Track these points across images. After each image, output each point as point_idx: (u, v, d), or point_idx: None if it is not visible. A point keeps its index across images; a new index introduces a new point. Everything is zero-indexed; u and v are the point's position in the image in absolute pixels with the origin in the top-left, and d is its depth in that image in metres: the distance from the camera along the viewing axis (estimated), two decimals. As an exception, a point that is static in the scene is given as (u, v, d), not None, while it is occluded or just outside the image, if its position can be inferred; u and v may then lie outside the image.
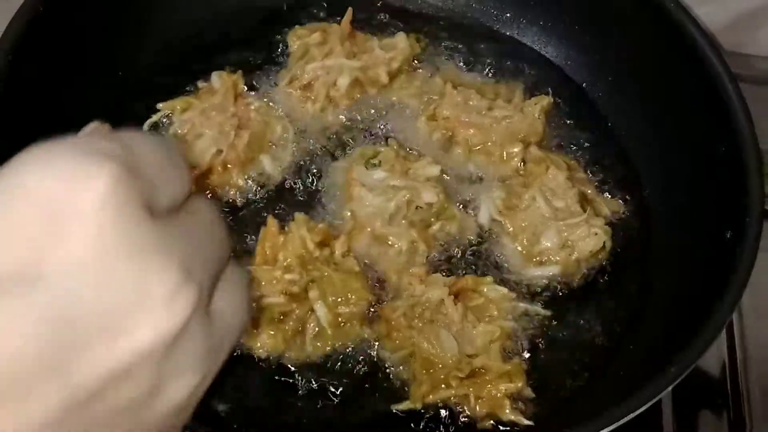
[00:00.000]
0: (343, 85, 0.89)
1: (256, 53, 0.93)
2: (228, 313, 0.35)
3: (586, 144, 0.92)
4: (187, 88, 0.88)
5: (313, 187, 0.85)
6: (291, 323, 0.73)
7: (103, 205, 0.29)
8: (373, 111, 0.90)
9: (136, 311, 0.30)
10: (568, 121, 0.93)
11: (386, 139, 0.88)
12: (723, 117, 0.79)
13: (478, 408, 0.72)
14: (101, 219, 0.29)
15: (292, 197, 0.84)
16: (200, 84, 0.88)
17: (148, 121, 0.85)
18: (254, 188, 0.83)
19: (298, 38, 0.92)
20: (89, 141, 0.31)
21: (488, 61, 0.96)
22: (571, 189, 0.83)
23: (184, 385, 0.32)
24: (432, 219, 0.82)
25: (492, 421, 0.72)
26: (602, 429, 0.61)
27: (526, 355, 0.76)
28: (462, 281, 0.77)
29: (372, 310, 0.76)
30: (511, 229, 0.83)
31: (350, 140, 0.88)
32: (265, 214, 0.80)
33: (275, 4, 0.98)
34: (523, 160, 0.87)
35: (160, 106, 0.86)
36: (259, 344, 0.73)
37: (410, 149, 0.87)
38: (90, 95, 0.82)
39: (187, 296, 0.31)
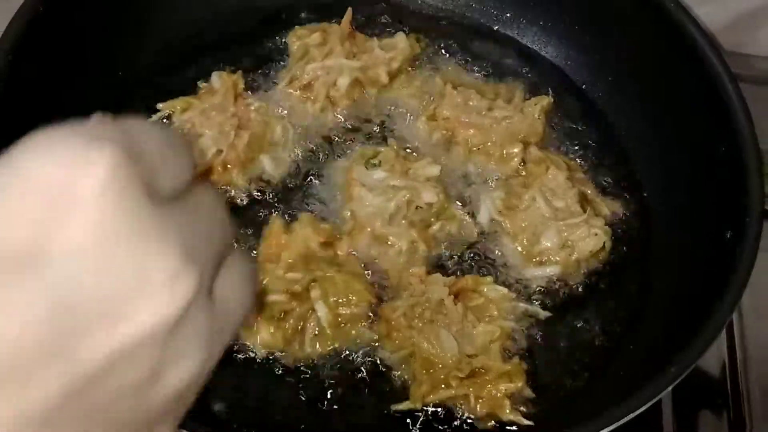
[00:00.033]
0: (343, 85, 0.89)
1: (256, 53, 0.93)
2: (230, 299, 0.35)
3: (586, 144, 0.92)
4: (187, 88, 0.88)
5: (313, 187, 0.85)
6: (291, 322, 0.73)
7: (103, 190, 0.29)
8: (373, 111, 0.90)
9: (136, 296, 0.30)
10: (568, 122, 0.93)
11: (386, 139, 0.88)
12: (723, 117, 0.79)
13: (478, 408, 0.72)
14: (102, 204, 0.29)
15: (292, 197, 0.84)
16: (200, 84, 0.88)
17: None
18: (254, 188, 0.83)
19: (298, 38, 0.92)
20: (90, 127, 0.31)
21: (488, 61, 0.96)
22: (571, 189, 0.83)
23: (185, 370, 0.32)
24: (432, 219, 0.82)
25: (492, 421, 0.72)
26: (602, 429, 0.61)
27: (526, 355, 0.76)
28: (462, 281, 0.77)
29: (372, 313, 0.76)
30: (511, 229, 0.83)
31: (350, 140, 0.88)
32: (265, 214, 0.80)
33: (275, 4, 0.98)
34: (523, 160, 0.87)
35: (160, 106, 0.86)
36: (258, 341, 0.73)
37: (410, 149, 0.87)
38: (90, 95, 0.82)
39: (187, 281, 0.31)
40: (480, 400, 0.71)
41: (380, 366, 0.74)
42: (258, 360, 0.73)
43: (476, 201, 0.85)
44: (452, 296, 0.75)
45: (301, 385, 0.73)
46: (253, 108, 0.85)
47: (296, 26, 0.94)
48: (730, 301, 0.68)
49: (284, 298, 0.73)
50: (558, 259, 0.81)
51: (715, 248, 0.74)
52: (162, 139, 0.33)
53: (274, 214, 0.80)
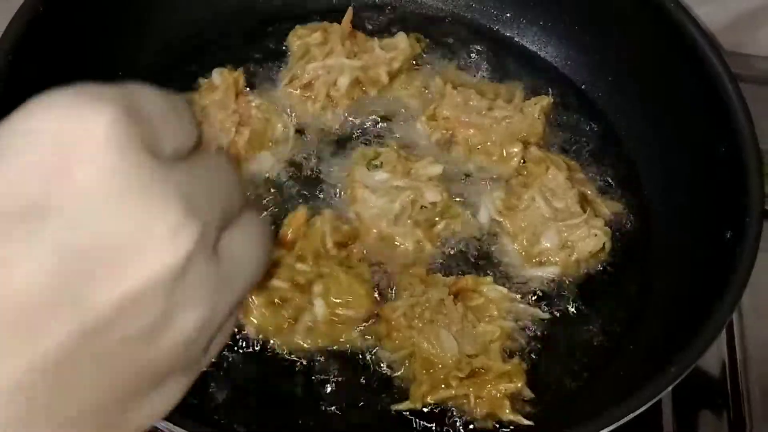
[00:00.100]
0: (343, 85, 0.89)
1: (257, 53, 0.93)
2: (238, 256, 0.36)
3: (586, 144, 0.92)
4: (188, 88, 0.88)
5: (314, 185, 0.85)
6: (288, 311, 0.73)
7: (104, 145, 0.30)
8: (373, 111, 0.90)
9: (140, 245, 0.31)
10: (568, 122, 0.93)
11: (385, 139, 0.88)
12: (723, 117, 0.79)
13: (478, 408, 0.72)
14: (103, 157, 0.30)
15: (292, 195, 0.84)
16: (201, 81, 0.88)
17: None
18: (254, 185, 0.83)
19: (298, 38, 0.92)
20: (92, 87, 0.32)
21: (488, 61, 0.96)
22: (571, 189, 0.83)
23: (191, 318, 0.33)
24: (436, 218, 0.82)
25: (492, 421, 0.72)
26: (602, 429, 0.61)
27: (526, 355, 0.76)
28: (462, 281, 0.77)
29: (367, 321, 0.75)
30: (510, 229, 0.83)
31: (350, 140, 0.88)
32: (264, 211, 0.80)
33: (275, 4, 0.98)
34: (523, 160, 0.87)
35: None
36: (252, 319, 0.73)
37: (410, 149, 0.87)
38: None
39: (189, 233, 0.32)
40: (480, 400, 0.72)
41: (380, 366, 0.74)
42: (257, 357, 0.73)
43: (476, 201, 0.85)
44: (452, 296, 0.75)
45: (300, 385, 0.73)
46: (254, 105, 0.86)
47: (297, 25, 0.94)
48: (730, 301, 0.68)
49: (287, 286, 0.73)
50: (558, 259, 0.81)
51: (715, 248, 0.74)
52: (163, 103, 0.34)
53: (302, 205, 0.80)
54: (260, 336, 0.74)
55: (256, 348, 0.74)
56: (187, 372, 0.36)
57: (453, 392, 0.71)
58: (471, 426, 0.72)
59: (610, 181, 0.89)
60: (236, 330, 0.73)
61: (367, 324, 0.75)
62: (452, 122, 0.88)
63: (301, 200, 0.83)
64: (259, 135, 0.84)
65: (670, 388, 0.64)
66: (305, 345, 0.74)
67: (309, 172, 0.85)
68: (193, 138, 0.36)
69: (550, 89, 0.94)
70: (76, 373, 0.31)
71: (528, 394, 0.73)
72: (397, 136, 0.89)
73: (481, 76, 0.95)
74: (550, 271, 0.81)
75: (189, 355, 0.35)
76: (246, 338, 0.74)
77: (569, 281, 0.81)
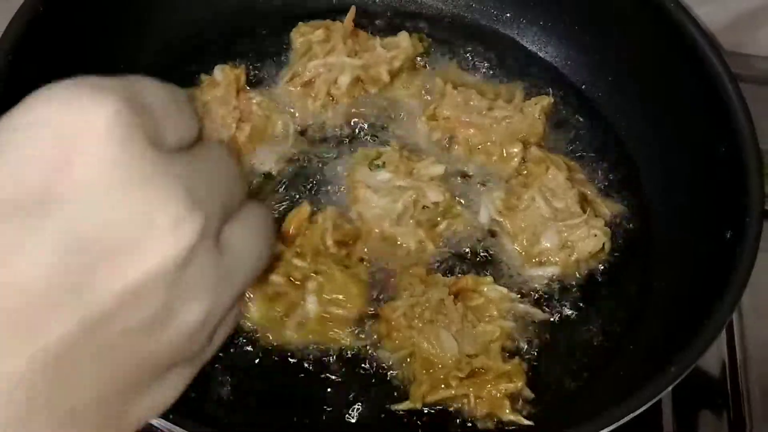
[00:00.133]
0: (343, 83, 0.89)
1: (257, 52, 0.93)
2: (239, 248, 0.36)
3: (586, 144, 0.92)
4: (188, 86, 0.88)
5: (313, 184, 0.85)
6: (280, 305, 0.74)
7: (106, 135, 0.30)
8: (373, 110, 0.91)
9: (142, 237, 0.31)
10: (568, 122, 0.93)
11: (386, 138, 0.88)
12: (723, 117, 0.79)
13: (478, 408, 0.72)
14: (105, 148, 0.30)
15: (291, 193, 0.84)
16: (203, 77, 0.88)
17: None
18: (253, 182, 0.83)
19: (301, 35, 0.92)
20: (92, 79, 0.32)
21: (488, 61, 0.96)
22: (571, 189, 0.83)
23: (193, 310, 0.33)
24: (438, 218, 0.82)
25: (492, 421, 0.72)
26: (602, 429, 0.61)
27: (526, 355, 0.76)
28: (462, 281, 0.77)
29: (359, 321, 0.75)
30: (510, 229, 0.83)
31: (350, 138, 0.88)
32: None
33: (275, 3, 0.98)
34: (523, 160, 0.87)
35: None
36: (249, 309, 0.74)
37: (410, 149, 0.87)
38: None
39: (191, 225, 0.32)
40: (480, 400, 0.72)
41: (380, 366, 0.74)
42: (256, 354, 0.74)
43: (476, 201, 0.85)
44: (452, 296, 0.75)
45: (299, 385, 0.73)
46: (255, 102, 0.86)
47: (300, 22, 0.94)
48: (730, 301, 0.68)
49: (282, 281, 0.74)
50: (557, 259, 0.81)
51: (715, 248, 0.74)
52: (165, 95, 0.34)
53: (305, 202, 0.80)
54: (255, 328, 0.74)
55: (257, 346, 0.74)
56: (190, 364, 0.36)
57: (453, 392, 0.71)
58: (471, 426, 0.72)
59: (610, 181, 0.89)
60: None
61: (358, 324, 0.75)
62: (452, 122, 0.88)
63: (298, 196, 0.83)
64: (259, 132, 0.85)
65: (670, 388, 0.64)
66: (296, 341, 0.74)
67: (309, 171, 0.85)
68: (195, 130, 0.36)
69: (550, 89, 0.94)
70: (78, 366, 0.31)
71: (528, 394, 0.73)
72: (397, 135, 0.89)
73: (482, 76, 0.95)
74: (550, 271, 0.81)
75: (191, 348, 0.35)
76: (244, 333, 0.74)
77: (569, 281, 0.81)
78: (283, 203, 0.82)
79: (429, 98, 0.91)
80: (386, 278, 0.78)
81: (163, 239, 0.31)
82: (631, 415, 0.62)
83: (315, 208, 0.80)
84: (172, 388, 0.36)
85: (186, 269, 0.32)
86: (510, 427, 0.71)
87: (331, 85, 0.89)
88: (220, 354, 0.72)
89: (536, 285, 0.80)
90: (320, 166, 0.86)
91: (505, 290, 0.78)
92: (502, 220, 0.83)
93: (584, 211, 0.81)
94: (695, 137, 0.84)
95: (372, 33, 0.94)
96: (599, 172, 0.89)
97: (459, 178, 0.86)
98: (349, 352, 0.74)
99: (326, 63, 0.89)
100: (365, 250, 0.79)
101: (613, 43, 0.94)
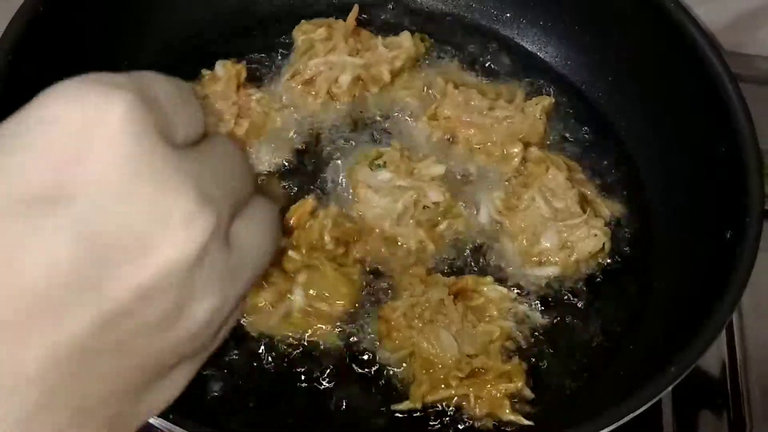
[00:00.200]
0: (344, 82, 0.89)
1: (257, 51, 0.93)
2: (247, 243, 0.36)
3: (587, 144, 0.92)
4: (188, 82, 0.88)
5: (313, 182, 0.85)
6: (268, 294, 0.74)
7: (119, 132, 0.30)
8: (374, 109, 0.91)
9: (156, 233, 0.31)
10: (569, 122, 0.93)
11: (385, 137, 0.88)
12: (723, 117, 0.79)
13: (478, 408, 0.72)
14: (118, 144, 0.30)
15: (289, 190, 0.84)
16: (204, 72, 0.88)
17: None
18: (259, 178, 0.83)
19: (303, 33, 0.92)
20: (104, 75, 0.32)
21: (489, 61, 0.97)
22: (571, 189, 0.83)
23: (204, 307, 0.33)
24: (439, 218, 0.82)
25: (492, 421, 0.72)
26: (602, 429, 0.61)
27: (526, 355, 0.76)
28: (462, 281, 0.77)
29: (342, 320, 0.75)
30: (510, 229, 0.83)
31: (351, 138, 0.88)
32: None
33: (275, 3, 0.98)
34: (524, 160, 0.87)
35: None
36: None
37: (411, 149, 0.87)
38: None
39: (204, 220, 0.32)
40: (480, 400, 0.72)
41: (380, 366, 0.74)
42: (255, 351, 0.74)
43: (476, 201, 0.85)
44: (452, 296, 0.75)
45: (298, 384, 0.73)
46: (254, 98, 0.86)
47: (302, 20, 0.94)
48: (730, 301, 0.68)
49: (274, 271, 0.74)
50: (557, 259, 0.81)
51: (715, 248, 0.74)
52: (174, 90, 0.34)
53: (310, 197, 0.81)
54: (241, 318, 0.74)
55: (237, 334, 0.74)
56: (193, 361, 0.36)
57: (453, 392, 0.71)
58: (471, 426, 0.72)
59: (610, 181, 0.89)
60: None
61: (346, 323, 0.75)
62: (453, 122, 0.88)
63: (295, 193, 0.83)
64: (257, 128, 0.85)
65: (670, 388, 0.64)
66: (278, 332, 0.74)
67: (309, 170, 0.85)
68: (202, 125, 0.36)
69: (550, 89, 0.94)
70: (90, 363, 0.31)
71: (528, 394, 0.73)
72: (398, 135, 0.89)
73: (482, 76, 0.95)
74: (549, 271, 0.81)
75: (197, 345, 0.35)
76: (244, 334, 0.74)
77: (569, 281, 0.81)
78: (282, 200, 0.82)
79: (430, 98, 0.91)
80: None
81: (176, 237, 0.31)
82: (631, 415, 0.62)
83: (316, 204, 0.80)
84: (176, 384, 0.36)
85: (197, 267, 0.32)
86: (510, 427, 0.71)
87: (332, 84, 0.89)
88: (222, 356, 0.73)
89: (536, 285, 0.80)
90: (319, 165, 0.86)
91: (505, 290, 0.78)
92: (502, 220, 0.83)
93: (584, 211, 0.81)
94: (695, 137, 0.84)
95: (374, 32, 0.94)
96: (599, 172, 0.89)
97: (459, 178, 0.86)
98: (349, 352, 0.74)
99: (327, 61, 0.89)
100: (367, 248, 0.79)
101: (613, 43, 0.94)
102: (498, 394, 0.71)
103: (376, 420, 0.72)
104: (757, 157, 0.76)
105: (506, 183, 0.86)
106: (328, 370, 0.73)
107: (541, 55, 0.99)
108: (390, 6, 1.00)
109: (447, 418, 0.72)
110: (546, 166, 0.85)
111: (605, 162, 0.90)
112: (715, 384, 0.87)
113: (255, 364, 0.73)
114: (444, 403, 0.72)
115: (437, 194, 0.81)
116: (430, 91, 0.92)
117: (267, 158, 0.84)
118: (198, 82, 0.87)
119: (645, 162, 0.90)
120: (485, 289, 0.77)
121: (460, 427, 0.72)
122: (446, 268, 0.81)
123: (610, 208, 0.85)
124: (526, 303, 0.79)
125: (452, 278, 0.78)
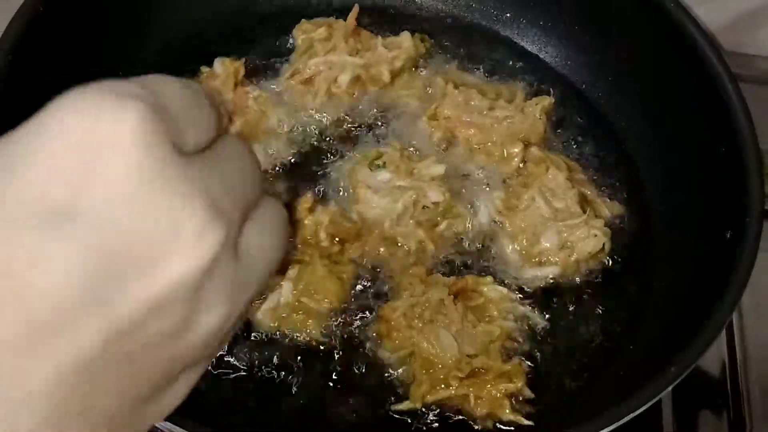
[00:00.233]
0: (344, 82, 0.89)
1: (257, 51, 0.93)
2: (256, 252, 0.36)
3: (586, 144, 0.92)
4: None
5: (312, 181, 0.85)
6: None
7: (131, 144, 0.30)
8: (373, 109, 0.90)
9: (167, 246, 0.31)
10: (568, 122, 0.93)
11: (385, 137, 0.88)
12: (723, 117, 0.79)
13: (478, 408, 0.72)
14: (130, 156, 0.30)
15: (288, 190, 0.84)
16: (203, 69, 0.88)
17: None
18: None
19: (303, 32, 0.92)
20: (116, 84, 0.32)
21: (489, 61, 0.97)
22: (571, 189, 0.83)
23: (211, 320, 0.33)
24: (438, 218, 0.82)
25: (492, 421, 0.72)
26: (602, 429, 0.61)
27: (526, 355, 0.76)
28: (462, 281, 0.77)
29: (328, 318, 0.76)
30: (510, 229, 0.83)
31: (350, 137, 0.88)
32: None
33: (275, 3, 0.98)
34: (524, 160, 0.87)
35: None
36: None
37: (411, 149, 0.87)
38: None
39: (215, 232, 0.32)
40: (480, 400, 0.71)
41: (380, 366, 0.74)
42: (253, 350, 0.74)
43: (476, 201, 0.85)
44: (452, 296, 0.75)
45: (297, 384, 0.73)
46: (252, 96, 0.86)
47: (303, 19, 0.94)
48: (730, 301, 0.68)
49: None
50: (557, 259, 0.81)
51: (715, 248, 0.74)
52: (187, 96, 0.34)
53: (309, 193, 0.81)
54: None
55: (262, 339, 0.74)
56: (197, 367, 0.36)
57: (453, 392, 0.71)
58: (471, 426, 0.72)
59: (611, 181, 0.89)
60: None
61: (331, 321, 0.75)
62: (453, 122, 0.88)
63: (294, 194, 0.83)
64: (251, 126, 0.84)
65: (670, 388, 0.64)
66: (264, 325, 0.74)
67: (307, 169, 0.85)
68: (214, 129, 0.35)
69: (550, 89, 0.94)
70: (101, 375, 0.31)
71: (528, 394, 0.73)
72: (398, 135, 0.89)
73: (482, 76, 0.95)
74: (549, 271, 0.81)
75: (205, 352, 0.35)
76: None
77: (569, 281, 0.81)
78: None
79: (430, 98, 0.91)
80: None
81: (187, 250, 0.31)
82: (631, 415, 0.62)
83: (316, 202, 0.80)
84: (180, 390, 0.36)
85: (208, 279, 0.32)
86: (510, 427, 0.71)
87: (332, 83, 0.89)
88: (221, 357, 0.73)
89: (536, 285, 0.80)
90: (318, 164, 0.86)
91: (505, 290, 0.78)
92: (502, 220, 0.83)
93: (584, 211, 0.81)
94: (695, 137, 0.84)
95: (374, 32, 0.94)
96: (599, 172, 0.89)
97: (459, 178, 0.86)
98: (348, 352, 0.74)
99: (327, 61, 0.89)
100: (366, 248, 0.79)
101: (613, 43, 0.94)
102: (498, 394, 0.71)
103: (376, 420, 0.72)
104: (757, 157, 0.76)
105: (506, 183, 0.86)
106: (328, 371, 0.73)
107: (541, 55, 0.99)
108: (389, 7, 1.00)
109: (447, 418, 0.72)
110: (546, 166, 0.85)
111: (605, 162, 0.90)
112: (715, 384, 0.87)
113: (255, 363, 0.73)
114: (444, 403, 0.72)
115: (437, 194, 0.81)
116: (430, 91, 0.92)
117: (266, 157, 0.84)
118: (195, 80, 0.87)
119: (645, 162, 0.90)
120: (485, 289, 0.77)
121: (460, 427, 0.72)
122: (446, 268, 0.81)
123: (610, 208, 0.85)
124: (526, 303, 0.79)
125: (452, 278, 0.78)
